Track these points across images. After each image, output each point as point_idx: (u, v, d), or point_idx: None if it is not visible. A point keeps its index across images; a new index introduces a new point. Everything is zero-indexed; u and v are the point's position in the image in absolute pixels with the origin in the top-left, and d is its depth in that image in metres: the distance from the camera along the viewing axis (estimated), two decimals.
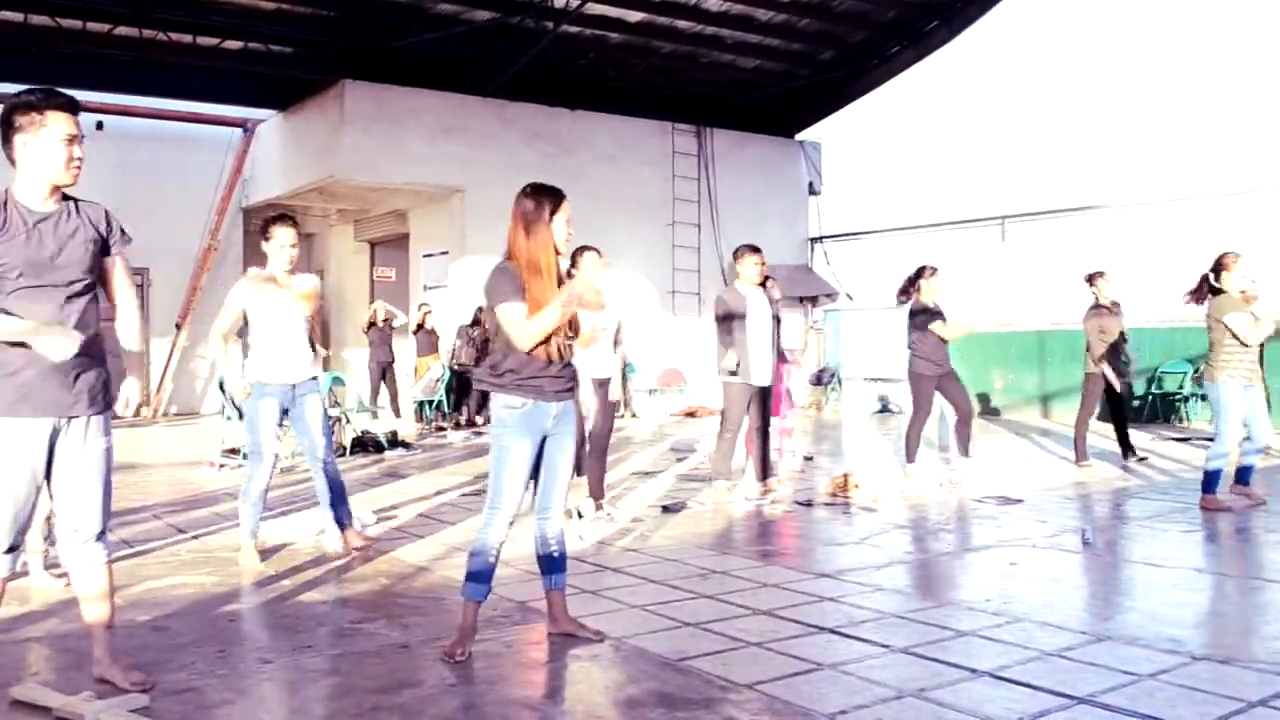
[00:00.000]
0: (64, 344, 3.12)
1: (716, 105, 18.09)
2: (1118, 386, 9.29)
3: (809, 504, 7.21)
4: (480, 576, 3.76)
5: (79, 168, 3.24)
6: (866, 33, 16.68)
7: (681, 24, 15.78)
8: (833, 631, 4.02)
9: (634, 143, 17.22)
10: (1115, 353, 9.25)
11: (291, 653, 3.80)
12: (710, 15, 15.54)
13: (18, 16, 13.74)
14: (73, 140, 3.20)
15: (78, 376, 3.21)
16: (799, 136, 19.30)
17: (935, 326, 8.01)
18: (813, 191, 19.43)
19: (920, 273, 8.26)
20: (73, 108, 3.23)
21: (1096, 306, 9.37)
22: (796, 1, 15.60)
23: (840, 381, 18.12)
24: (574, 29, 15.06)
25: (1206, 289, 6.89)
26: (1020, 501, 7.29)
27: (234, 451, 9.51)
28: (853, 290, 18.95)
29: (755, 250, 7.34)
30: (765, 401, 7.37)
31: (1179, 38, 34.32)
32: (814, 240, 19.62)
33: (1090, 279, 9.50)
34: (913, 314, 8.21)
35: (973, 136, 34.23)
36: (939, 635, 3.95)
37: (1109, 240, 16.25)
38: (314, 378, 5.48)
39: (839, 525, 6.54)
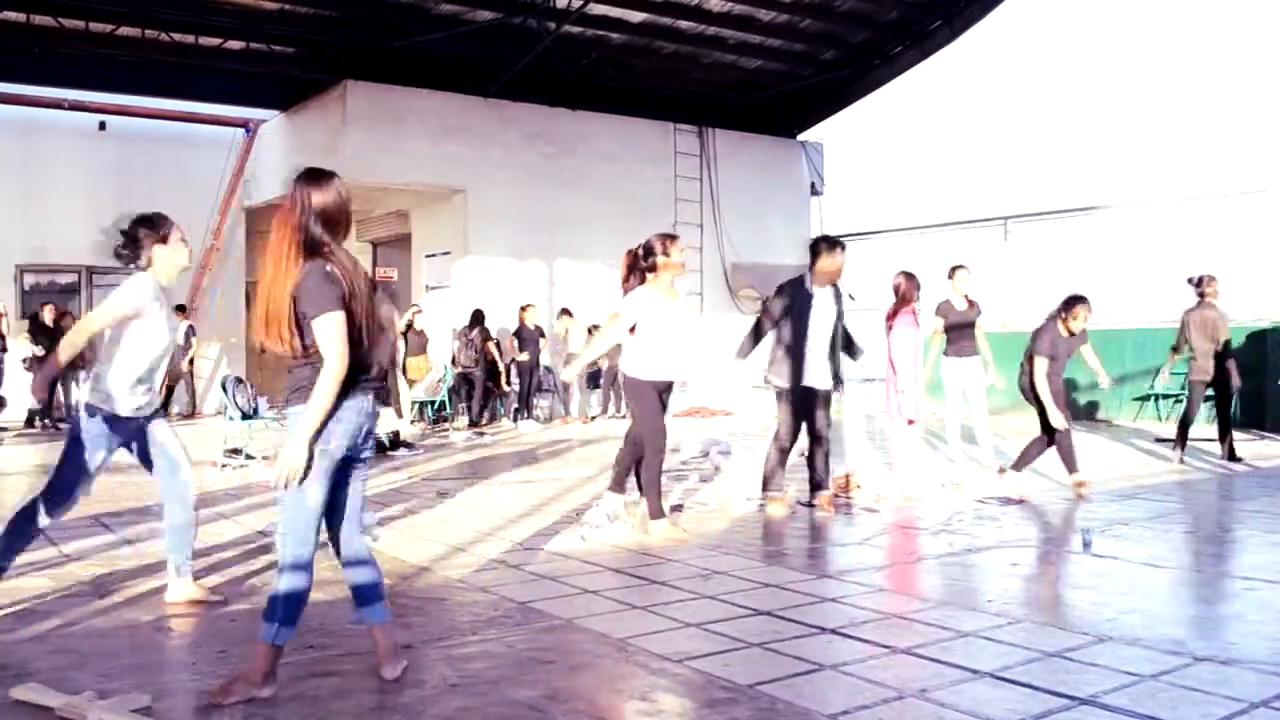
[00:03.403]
0: None
1: (718, 105, 18.09)
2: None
3: (811, 504, 7.20)
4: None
5: None
6: (868, 33, 16.69)
7: (683, 24, 15.79)
8: (834, 632, 4.02)
9: (635, 143, 17.22)
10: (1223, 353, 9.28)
11: (293, 652, 3.79)
12: (712, 16, 15.55)
13: (20, 17, 13.76)
14: None
15: None
16: (801, 137, 19.30)
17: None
18: (815, 192, 19.43)
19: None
20: None
21: (1205, 303, 9.27)
22: (798, 2, 15.60)
23: (843, 382, 18.09)
24: (576, 29, 15.06)
25: None
26: (1022, 502, 7.29)
27: (235, 452, 9.52)
28: (855, 291, 18.93)
29: (837, 246, 6.89)
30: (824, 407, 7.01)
31: (1182, 37, 34.29)
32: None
33: (1201, 281, 9.32)
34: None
35: (975, 137, 34.18)
36: (940, 636, 3.94)
37: (1112, 241, 16.23)
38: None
39: (841, 526, 6.53)
